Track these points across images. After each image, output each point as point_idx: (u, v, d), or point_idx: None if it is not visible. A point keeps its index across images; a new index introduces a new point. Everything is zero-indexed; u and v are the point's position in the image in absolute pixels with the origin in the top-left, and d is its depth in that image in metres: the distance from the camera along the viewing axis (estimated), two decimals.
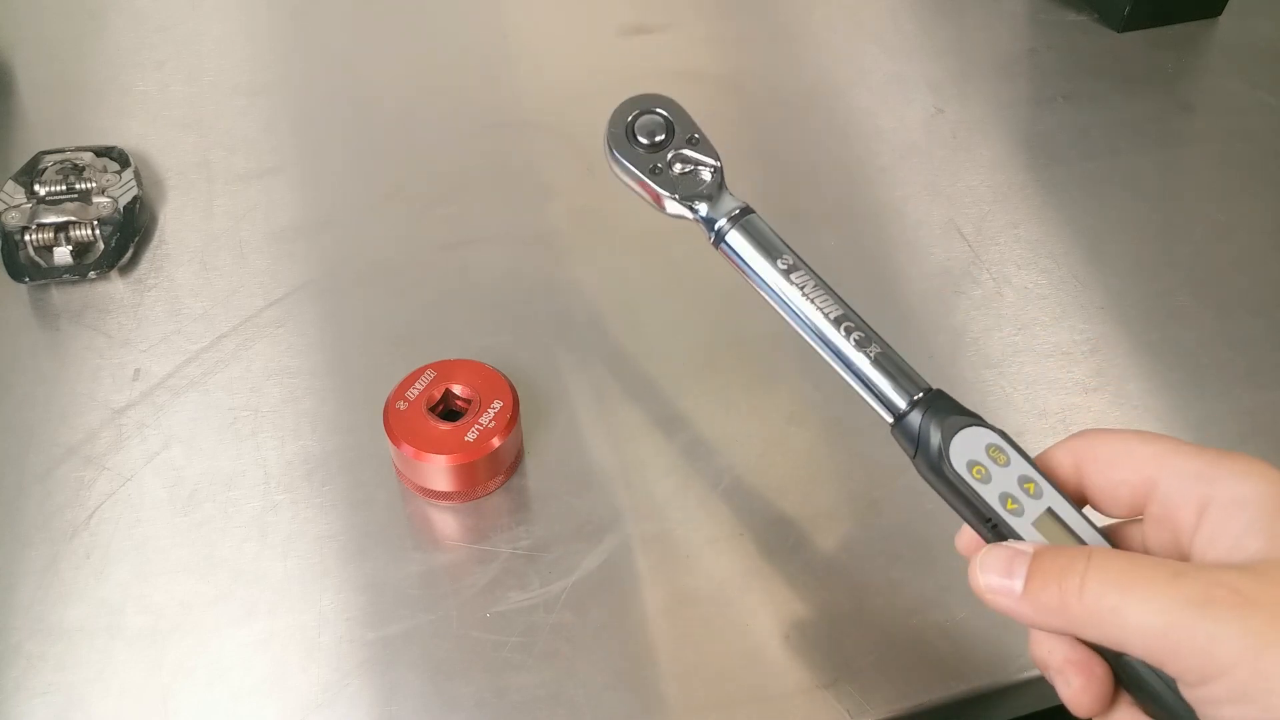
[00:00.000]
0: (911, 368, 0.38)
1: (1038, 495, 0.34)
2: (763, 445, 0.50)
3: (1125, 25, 0.72)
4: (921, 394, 0.37)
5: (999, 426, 0.36)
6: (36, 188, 0.57)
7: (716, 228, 0.40)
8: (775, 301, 0.40)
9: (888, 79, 0.69)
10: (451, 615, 0.45)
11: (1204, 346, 0.55)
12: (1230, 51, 0.72)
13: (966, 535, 0.36)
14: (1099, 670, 0.32)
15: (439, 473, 0.46)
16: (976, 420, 0.36)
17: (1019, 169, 0.64)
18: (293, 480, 0.49)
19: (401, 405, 0.47)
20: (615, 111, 0.43)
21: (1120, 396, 0.53)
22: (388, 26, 0.72)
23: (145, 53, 0.69)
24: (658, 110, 0.42)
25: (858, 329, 0.38)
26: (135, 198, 0.58)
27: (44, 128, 0.64)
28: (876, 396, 0.37)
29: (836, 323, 0.38)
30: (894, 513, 0.48)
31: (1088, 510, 0.35)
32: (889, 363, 0.38)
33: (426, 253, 0.58)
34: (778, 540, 0.47)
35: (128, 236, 0.57)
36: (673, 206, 0.42)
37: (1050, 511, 0.34)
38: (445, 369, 0.49)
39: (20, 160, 0.58)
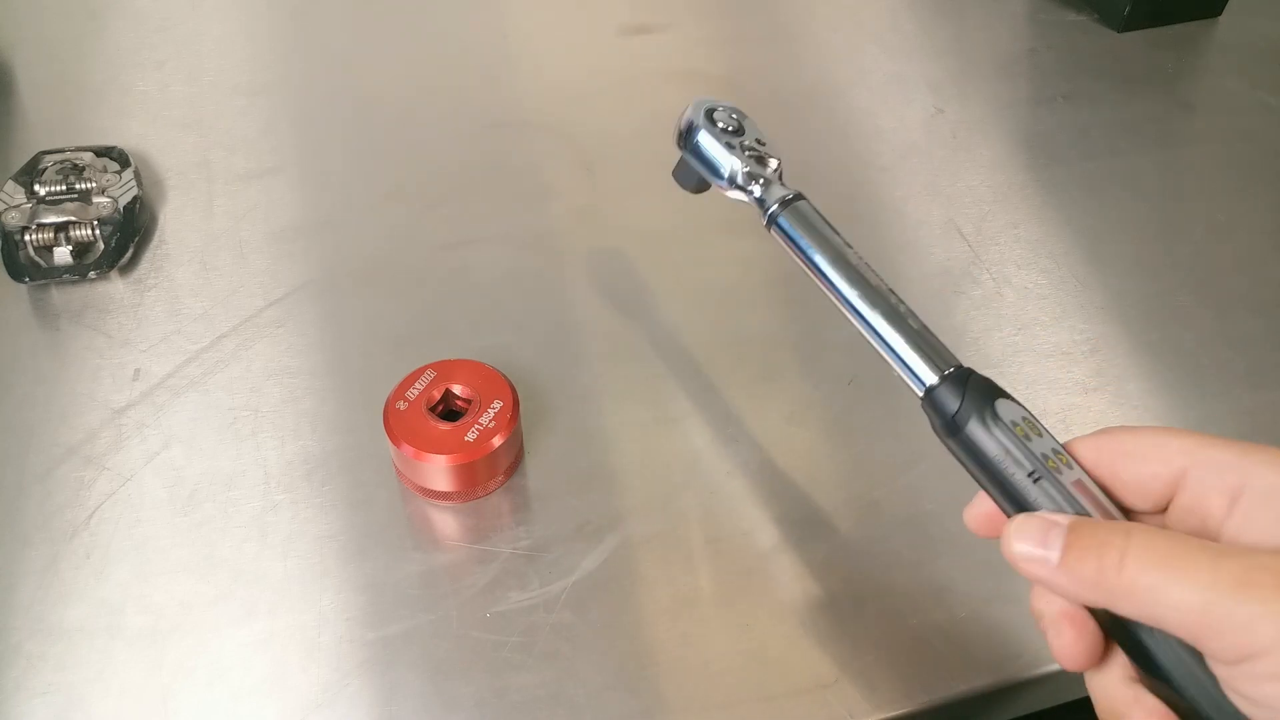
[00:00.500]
0: (944, 351, 0.39)
1: (1071, 467, 0.34)
2: (763, 445, 0.50)
3: (1125, 25, 0.72)
4: (954, 367, 0.38)
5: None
6: (36, 188, 0.57)
7: (769, 214, 0.43)
8: (831, 268, 0.42)
9: (888, 79, 0.69)
10: (451, 615, 0.45)
11: (1204, 346, 0.55)
12: (1230, 51, 0.72)
13: (976, 509, 0.36)
14: (1090, 625, 0.32)
15: (439, 473, 0.46)
16: (1005, 395, 0.36)
17: (1019, 169, 0.64)
18: (293, 480, 0.49)
19: (401, 405, 0.47)
20: (695, 102, 0.47)
21: (1120, 396, 0.53)
22: (388, 26, 0.72)
23: (145, 53, 0.69)
24: (732, 111, 0.47)
25: (903, 302, 0.40)
26: (135, 198, 0.58)
27: (44, 128, 0.64)
28: (922, 356, 0.38)
29: (888, 291, 0.40)
30: (894, 513, 0.48)
31: None
32: (931, 334, 0.39)
33: (426, 253, 0.58)
34: (778, 540, 0.47)
35: (128, 236, 0.57)
36: (737, 182, 0.45)
37: (1081, 482, 0.34)
38: (445, 369, 0.49)
39: (20, 160, 0.58)
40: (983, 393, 0.36)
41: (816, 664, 0.43)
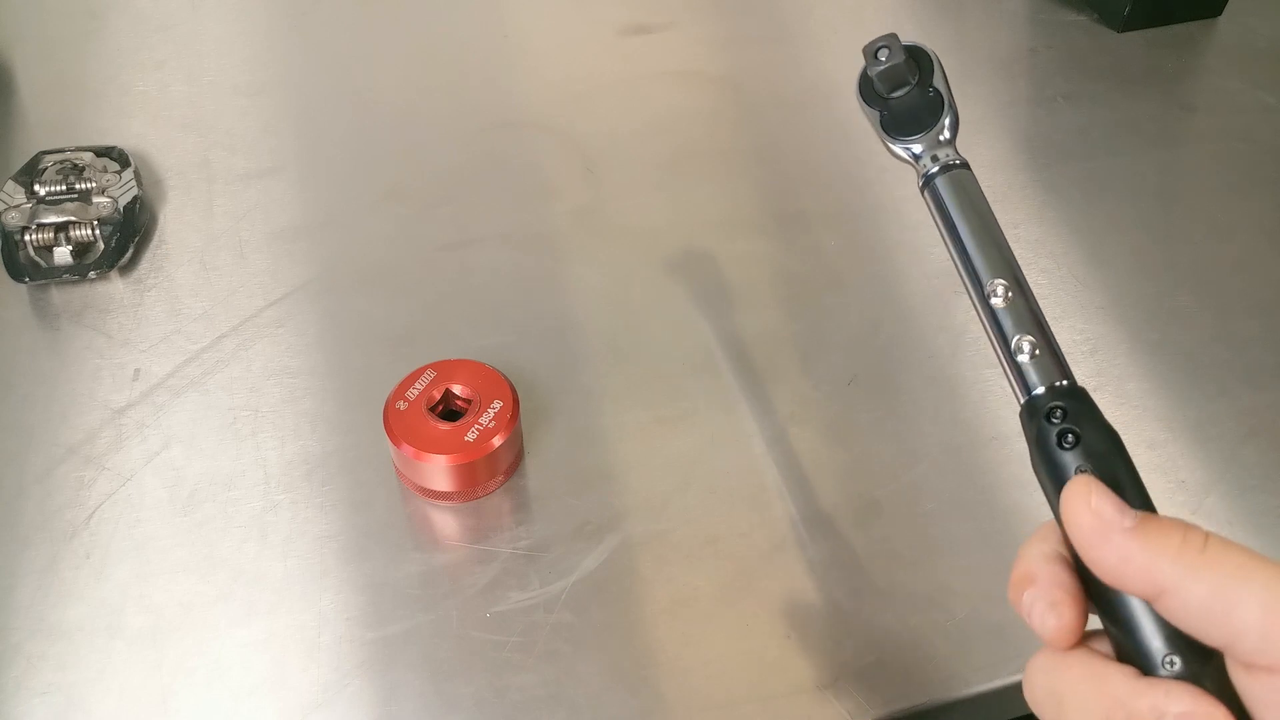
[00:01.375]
0: (1061, 360, 0.36)
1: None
2: (763, 445, 0.50)
3: (1125, 25, 0.72)
4: (1070, 378, 0.35)
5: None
6: (36, 188, 0.57)
7: (925, 175, 0.41)
8: (957, 260, 0.39)
9: None
10: (451, 615, 0.45)
11: (1204, 346, 0.55)
12: (1230, 51, 0.72)
13: (1021, 570, 0.33)
14: (1085, 604, 0.31)
15: (439, 473, 0.46)
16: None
17: (1019, 169, 0.64)
18: (293, 480, 0.49)
19: (401, 405, 0.47)
20: (882, 44, 0.45)
21: (1120, 396, 0.53)
22: (387, 26, 0.72)
23: (145, 53, 0.69)
24: (922, 51, 0.44)
25: (1015, 319, 0.36)
26: (135, 198, 0.58)
27: (44, 128, 0.64)
28: (1047, 358, 0.35)
29: (999, 308, 0.37)
30: (894, 513, 0.48)
31: None
32: (1050, 351, 0.35)
33: (426, 253, 0.58)
34: (778, 540, 0.47)
35: (128, 236, 0.57)
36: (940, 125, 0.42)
37: None
38: (445, 369, 0.49)
39: (20, 160, 0.58)
40: (1088, 409, 0.33)
41: (816, 664, 0.43)
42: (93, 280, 0.56)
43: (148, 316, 0.55)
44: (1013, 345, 0.35)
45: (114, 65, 0.68)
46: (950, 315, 0.56)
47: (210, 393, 0.52)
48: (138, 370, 0.53)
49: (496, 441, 0.46)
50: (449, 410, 0.48)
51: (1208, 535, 0.29)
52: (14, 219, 0.55)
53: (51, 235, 0.55)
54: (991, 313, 0.36)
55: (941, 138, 0.41)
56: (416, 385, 0.48)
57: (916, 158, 0.41)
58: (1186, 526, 0.30)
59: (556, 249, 0.59)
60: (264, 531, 0.47)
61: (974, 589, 0.46)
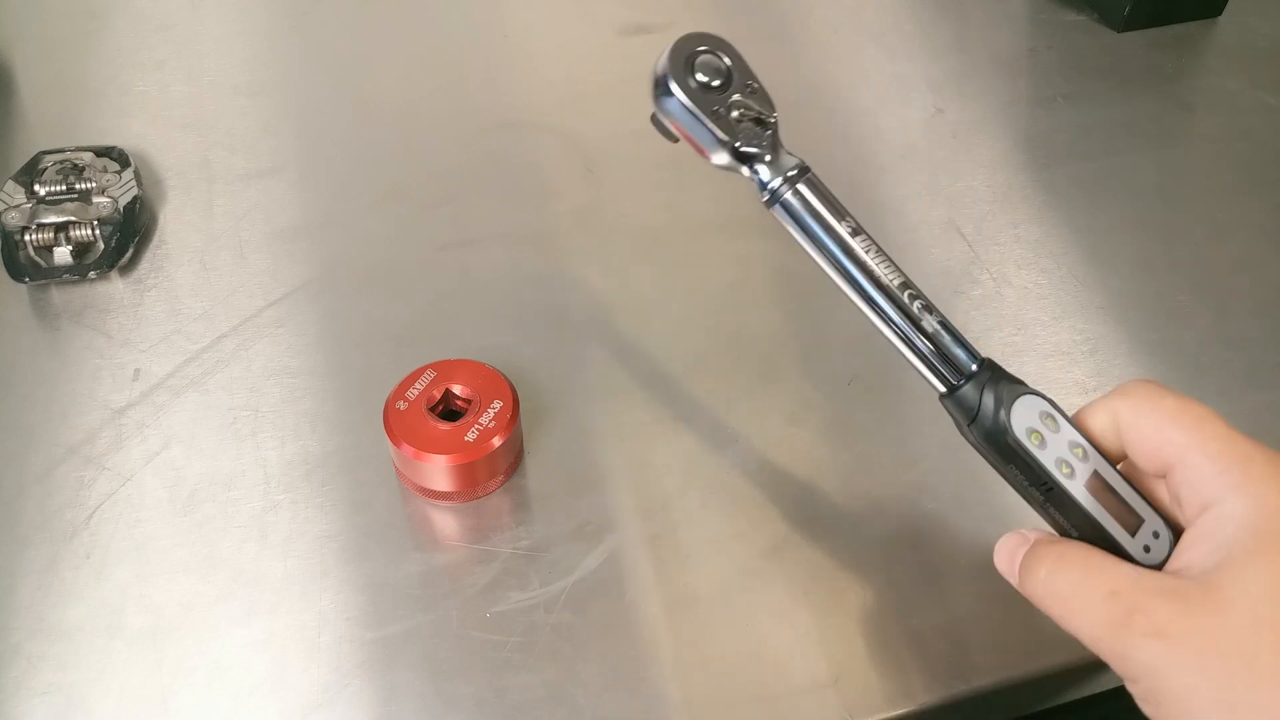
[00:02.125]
0: (965, 339, 0.38)
1: (1085, 459, 0.36)
2: (763, 445, 0.50)
3: (1125, 25, 0.72)
4: (976, 365, 0.37)
5: (1044, 392, 0.37)
6: (36, 188, 0.57)
7: (772, 191, 0.39)
8: (832, 266, 0.38)
9: (888, 79, 0.69)
10: (451, 615, 0.45)
11: (1204, 346, 0.55)
12: (1230, 51, 0.72)
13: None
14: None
15: (439, 473, 0.46)
16: (1029, 388, 0.37)
17: (1019, 169, 0.64)
18: (293, 480, 0.49)
19: (401, 405, 0.47)
20: (673, 46, 0.39)
21: None
22: (387, 26, 0.72)
23: (145, 53, 0.69)
24: (718, 52, 0.39)
25: (919, 297, 0.38)
26: (135, 198, 0.58)
27: (44, 128, 0.64)
28: (935, 364, 0.38)
29: (901, 289, 0.38)
30: (894, 512, 0.48)
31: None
32: (949, 332, 0.38)
33: (426, 253, 0.58)
34: (778, 540, 0.47)
35: (128, 236, 0.57)
36: (721, 158, 0.39)
37: (1096, 474, 0.36)
38: (445, 369, 0.49)
39: (20, 160, 0.58)
40: (1000, 400, 0.36)
41: (816, 664, 0.43)
42: (93, 280, 0.56)
43: (148, 316, 0.55)
44: (930, 335, 0.38)
45: (114, 65, 0.68)
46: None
47: (210, 393, 0.52)
48: (138, 370, 0.53)
49: (496, 441, 0.46)
50: (449, 410, 0.48)
51: (1049, 577, 0.36)
52: (14, 219, 0.55)
53: (51, 235, 0.55)
54: (910, 319, 0.38)
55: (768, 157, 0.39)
56: (416, 385, 0.48)
57: (757, 178, 0.39)
58: (1031, 568, 0.36)
59: (556, 249, 0.59)
60: (264, 531, 0.47)
61: (974, 589, 0.46)
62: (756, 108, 0.38)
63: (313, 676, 0.43)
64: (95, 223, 0.56)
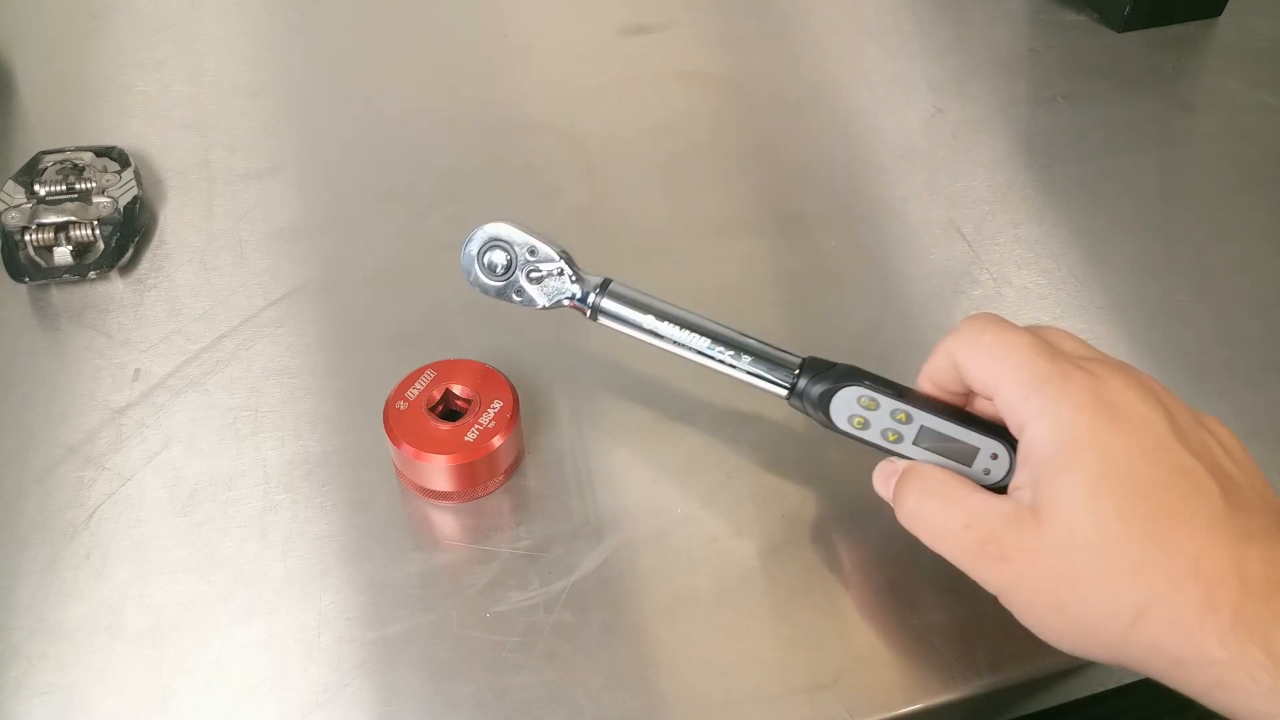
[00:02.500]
0: (780, 351, 0.45)
1: (910, 420, 0.43)
2: (763, 445, 0.50)
3: (1125, 25, 0.72)
4: (797, 369, 0.45)
5: (864, 371, 0.44)
6: (36, 188, 0.57)
7: (590, 304, 0.47)
8: (658, 344, 0.46)
9: (888, 79, 0.69)
10: (451, 615, 0.45)
11: (1204, 346, 0.55)
12: (1230, 51, 0.72)
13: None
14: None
15: (439, 473, 0.46)
16: (844, 381, 0.43)
17: (1019, 169, 0.64)
18: (293, 480, 0.49)
19: (401, 405, 0.47)
20: (463, 256, 0.48)
21: None
22: (388, 26, 0.72)
23: (145, 53, 0.69)
24: (497, 240, 0.47)
25: (727, 345, 0.45)
26: (135, 198, 0.58)
27: (44, 128, 0.64)
28: (766, 379, 0.45)
29: (712, 345, 0.46)
30: (894, 514, 0.48)
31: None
32: (763, 356, 0.45)
33: (426, 253, 0.58)
34: (778, 540, 0.47)
35: (128, 236, 0.57)
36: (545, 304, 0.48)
37: (923, 429, 0.42)
38: (445, 369, 0.49)
39: (20, 160, 0.58)
40: (818, 401, 0.44)
41: (816, 664, 0.43)
42: (93, 280, 0.56)
43: (148, 316, 0.55)
44: (761, 358, 0.45)
45: (114, 65, 0.68)
46: (950, 315, 0.56)
47: (210, 393, 0.52)
48: (138, 370, 0.53)
49: (496, 441, 0.46)
50: (449, 410, 0.48)
51: (918, 496, 0.41)
52: (14, 219, 0.55)
53: (51, 235, 0.55)
54: (728, 363, 0.46)
55: (568, 274, 0.47)
56: (416, 385, 0.48)
57: (575, 296, 0.47)
58: (902, 490, 0.42)
59: None
60: (264, 531, 0.47)
61: (974, 589, 0.45)
62: (543, 268, 0.47)
63: (313, 676, 0.43)
64: (95, 223, 0.56)
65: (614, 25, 0.72)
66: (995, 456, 0.42)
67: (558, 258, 0.47)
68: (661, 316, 0.46)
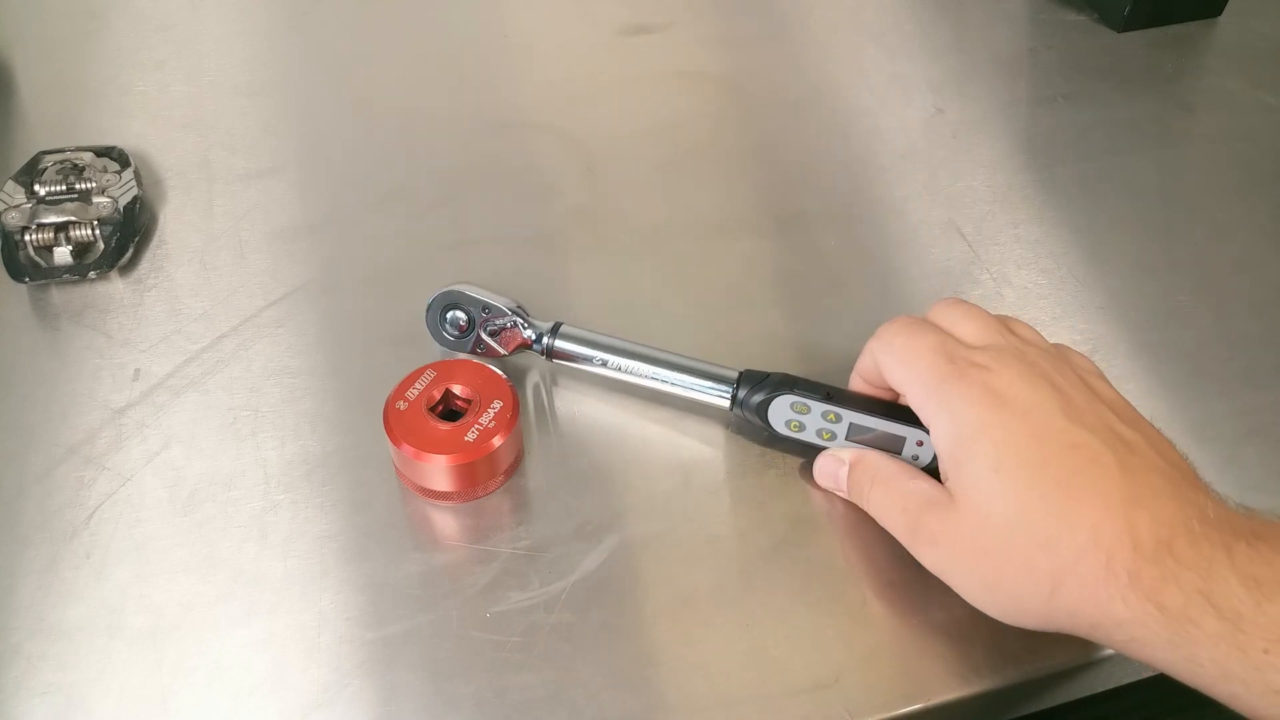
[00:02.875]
0: (717, 368, 0.49)
1: (839, 420, 0.47)
2: (763, 445, 0.50)
3: (1125, 25, 0.72)
4: (734, 384, 0.48)
5: (795, 378, 0.48)
6: (36, 188, 0.57)
7: (544, 346, 0.51)
8: (610, 374, 0.50)
9: (888, 79, 0.69)
10: (451, 615, 0.45)
11: (1204, 346, 0.55)
12: (1230, 51, 0.72)
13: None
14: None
15: (439, 473, 0.46)
16: (777, 390, 0.47)
17: (1019, 169, 0.64)
18: (293, 480, 0.49)
19: (401, 405, 0.47)
20: (427, 321, 0.52)
21: None
22: (387, 26, 0.72)
23: (145, 53, 0.69)
24: (456, 305, 0.51)
25: (668, 368, 0.49)
26: (135, 198, 0.58)
27: (44, 128, 0.64)
28: (709, 393, 0.49)
29: (655, 370, 0.49)
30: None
31: None
32: (702, 378, 0.49)
33: (426, 253, 0.58)
34: (778, 540, 0.47)
35: (128, 236, 0.57)
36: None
37: (852, 425, 0.47)
38: (445, 369, 0.49)
39: (20, 160, 0.58)
40: (756, 410, 0.48)
41: (816, 664, 0.43)
42: (93, 280, 0.56)
43: (148, 316, 0.55)
44: (701, 376, 0.49)
45: (114, 65, 0.68)
46: None
47: (210, 393, 0.52)
48: (138, 370, 0.53)
49: (496, 441, 0.46)
50: (449, 410, 0.48)
51: (870, 492, 0.46)
52: (14, 219, 0.55)
53: (51, 235, 0.55)
54: (672, 383, 0.49)
55: (519, 323, 0.51)
56: (416, 385, 0.48)
57: (531, 342, 0.51)
58: (858, 484, 0.47)
59: (556, 249, 0.59)
60: (264, 531, 0.47)
61: None
62: (498, 323, 0.51)
63: (313, 676, 0.43)
64: (95, 223, 0.56)
65: (614, 25, 0.72)
66: (921, 444, 0.46)
67: (509, 313, 0.51)
68: (608, 350, 0.50)
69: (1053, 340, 0.49)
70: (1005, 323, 0.46)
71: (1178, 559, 0.36)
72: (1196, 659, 0.35)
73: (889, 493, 0.44)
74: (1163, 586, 0.36)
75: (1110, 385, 0.44)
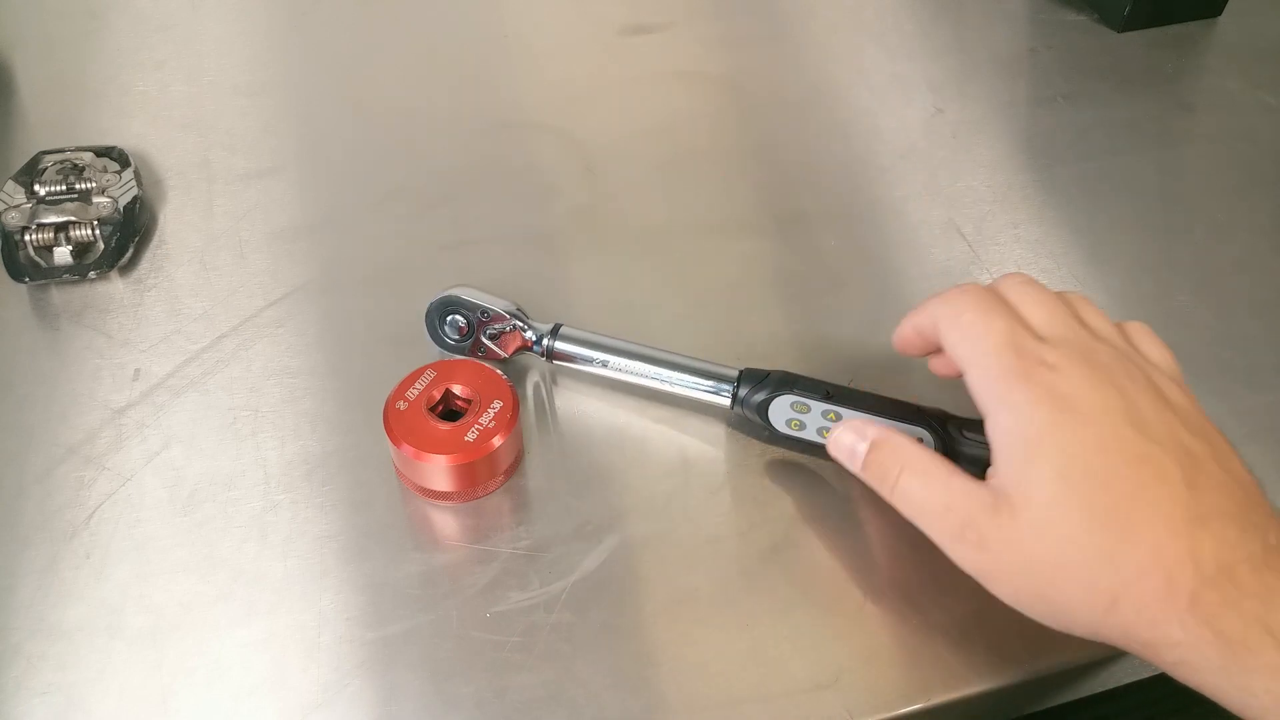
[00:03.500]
0: (717, 366, 0.49)
1: (839, 419, 0.46)
2: (762, 445, 0.50)
3: (1125, 25, 0.72)
4: (734, 383, 0.48)
5: (796, 377, 0.48)
6: (36, 188, 0.57)
7: (544, 347, 0.50)
8: (610, 374, 0.50)
9: (888, 79, 0.69)
10: (451, 615, 0.45)
11: (1204, 346, 0.55)
12: (1230, 51, 0.72)
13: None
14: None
15: (439, 473, 0.46)
16: (777, 390, 0.47)
17: (1019, 169, 0.64)
18: (293, 480, 0.49)
19: (401, 405, 0.47)
20: (426, 326, 0.52)
21: None
22: (388, 26, 0.72)
23: (145, 53, 0.69)
24: (455, 309, 0.51)
25: (669, 367, 0.49)
26: (135, 198, 0.58)
27: (44, 128, 0.64)
28: (711, 392, 0.49)
29: (655, 369, 0.49)
30: (894, 513, 0.48)
31: None
32: (703, 377, 0.49)
33: (426, 253, 0.58)
34: (778, 540, 0.47)
35: (128, 236, 0.57)
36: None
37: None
38: (445, 369, 0.49)
39: (20, 160, 0.58)
40: (757, 410, 0.48)
41: (816, 664, 0.43)
42: (93, 280, 0.56)
43: (148, 316, 0.55)
44: (702, 376, 0.49)
45: (114, 65, 0.68)
46: None
47: (210, 393, 0.52)
48: (138, 370, 0.53)
49: (496, 441, 0.46)
50: (449, 410, 0.48)
51: (896, 481, 0.43)
52: (14, 219, 0.55)
53: (51, 235, 0.55)
54: (672, 383, 0.49)
55: (519, 326, 0.51)
56: (416, 385, 0.48)
57: (531, 344, 0.51)
58: (883, 471, 0.43)
59: (556, 249, 0.59)
60: (264, 531, 0.47)
61: (974, 589, 0.45)
62: (496, 326, 0.51)
63: (313, 676, 0.43)
64: (95, 223, 0.56)
65: (614, 25, 0.72)
66: (920, 441, 0.44)
67: (508, 316, 0.51)
68: (608, 350, 0.50)
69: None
70: (1075, 307, 0.43)
71: (1239, 585, 0.35)
72: (1250, 689, 0.35)
73: (928, 486, 0.41)
74: (1222, 612, 0.35)
75: (1179, 385, 0.42)
